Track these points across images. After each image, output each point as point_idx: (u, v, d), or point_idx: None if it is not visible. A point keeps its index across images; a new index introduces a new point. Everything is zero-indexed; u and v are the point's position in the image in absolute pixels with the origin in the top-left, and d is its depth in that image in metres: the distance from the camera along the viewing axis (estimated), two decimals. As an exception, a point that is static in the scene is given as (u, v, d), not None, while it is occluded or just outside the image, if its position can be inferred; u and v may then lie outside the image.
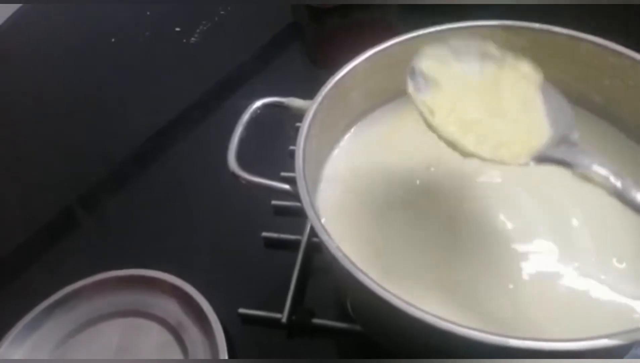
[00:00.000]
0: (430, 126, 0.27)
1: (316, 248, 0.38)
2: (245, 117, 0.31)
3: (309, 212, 0.25)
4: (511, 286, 0.28)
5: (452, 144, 0.27)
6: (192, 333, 0.34)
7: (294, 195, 0.26)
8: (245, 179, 0.28)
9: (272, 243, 0.40)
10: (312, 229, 0.37)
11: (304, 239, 0.38)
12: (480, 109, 0.28)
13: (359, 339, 0.33)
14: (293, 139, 0.43)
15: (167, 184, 0.47)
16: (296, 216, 0.40)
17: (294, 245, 0.38)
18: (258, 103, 0.32)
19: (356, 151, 0.35)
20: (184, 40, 0.61)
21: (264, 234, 0.40)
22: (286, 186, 0.28)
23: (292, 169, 0.27)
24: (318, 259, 0.38)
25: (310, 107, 0.30)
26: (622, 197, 0.22)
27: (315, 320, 0.34)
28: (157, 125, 0.52)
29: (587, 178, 0.23)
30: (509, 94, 0.28)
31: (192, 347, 0.34)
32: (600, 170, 0.23)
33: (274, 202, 0.41)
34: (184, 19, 0.64)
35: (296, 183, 0.26)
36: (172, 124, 0.52)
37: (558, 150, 0.25)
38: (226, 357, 0.32)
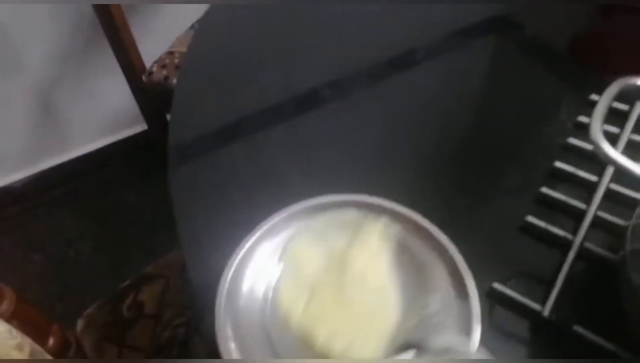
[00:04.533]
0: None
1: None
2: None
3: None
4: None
5: (306, 339, 0.28)
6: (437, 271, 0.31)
7: None
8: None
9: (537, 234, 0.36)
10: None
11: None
12: (333, 298, 0.29)
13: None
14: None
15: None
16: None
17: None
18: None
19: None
20: None
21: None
22: None
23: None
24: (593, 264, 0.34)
25: None
26: None
27: (577, 328, 0.31)
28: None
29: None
30: (360, 277, 0.30)
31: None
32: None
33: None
34: None
35: None
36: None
37: (413, 332, 0.27)
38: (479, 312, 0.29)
